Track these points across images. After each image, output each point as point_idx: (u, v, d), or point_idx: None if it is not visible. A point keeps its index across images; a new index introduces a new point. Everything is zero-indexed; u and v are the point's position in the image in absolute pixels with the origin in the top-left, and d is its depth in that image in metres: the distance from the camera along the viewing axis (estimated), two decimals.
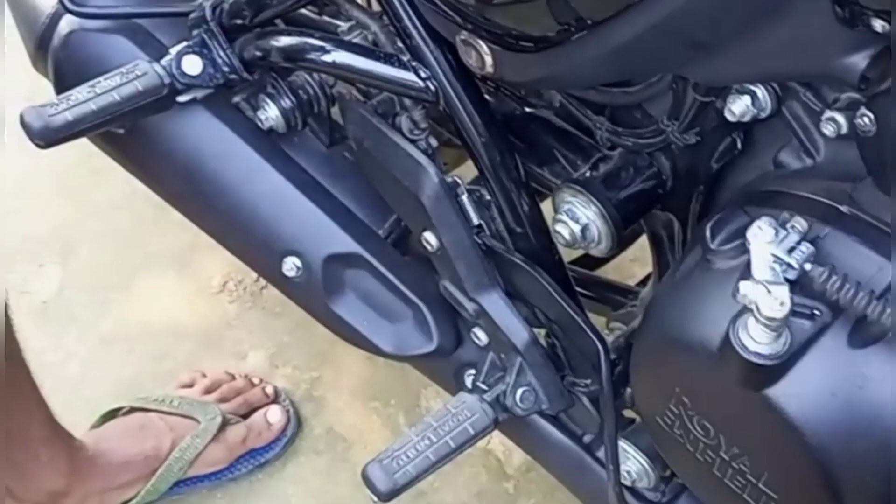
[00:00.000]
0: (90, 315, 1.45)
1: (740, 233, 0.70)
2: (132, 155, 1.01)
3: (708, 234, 0.73)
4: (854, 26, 0.62)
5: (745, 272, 0.67)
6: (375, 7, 0.93)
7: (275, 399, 1.34)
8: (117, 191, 1.52)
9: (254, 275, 1.40)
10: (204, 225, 1.03)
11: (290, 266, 0.97)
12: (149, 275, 1.49)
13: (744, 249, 0.69)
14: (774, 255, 0.66)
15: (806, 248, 0.67)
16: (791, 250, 0.67)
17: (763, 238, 0.67)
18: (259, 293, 1.46)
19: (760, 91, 0.75)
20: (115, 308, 1.46)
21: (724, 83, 0.75)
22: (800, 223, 0.68)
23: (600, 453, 0.94)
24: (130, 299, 1.47)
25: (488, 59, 0.80)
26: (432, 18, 0.85)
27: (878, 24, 0.61)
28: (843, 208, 0.70)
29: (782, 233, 0.68)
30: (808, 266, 0.66)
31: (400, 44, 0.88)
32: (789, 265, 0.66)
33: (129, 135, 0.97)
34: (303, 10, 0.99)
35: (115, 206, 1.53)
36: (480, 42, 0.80)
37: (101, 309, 1.46)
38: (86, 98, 0.89)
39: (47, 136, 0.88)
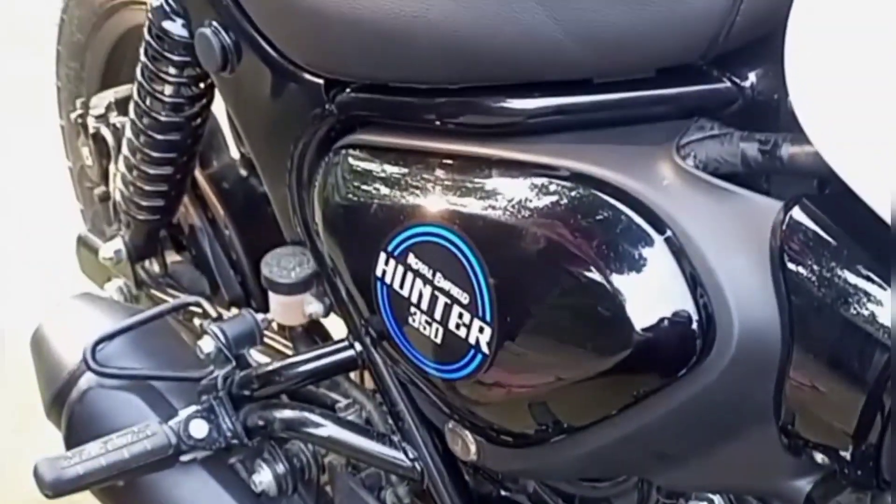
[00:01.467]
0: None
1: None
2: None
3: None
4: (798, 455, 0.71)
5: None
6: (369, 382, 1.03)
7: None
8: None
9: None
10: None
11: None
12: None
13: None
14: None
15: None
16: None
17: None
18: None
19: (717, 499, 0.83)
20: None
21: (684, 489, 0.83)
22: None
23: None
24: None
25: (472, 448, 0.88)
26: (424, 405, 0.94)
27: (820, 457, 0.70)
28: None
29: None
30: None
31: (391, 422, 0.97)
32: None
33: (128, 487, 1.03)
34: None
35: None
36: (466, 432, 0.88)
37: None
38: (97, 454, 0.96)
39: (57, 488, 0.94)
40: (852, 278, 0.66)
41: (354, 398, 1.01)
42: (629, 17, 0.72)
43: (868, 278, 0.65)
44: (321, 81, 0.88)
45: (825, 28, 0.64)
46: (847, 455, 0.68)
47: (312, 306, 1.03)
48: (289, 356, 1.06)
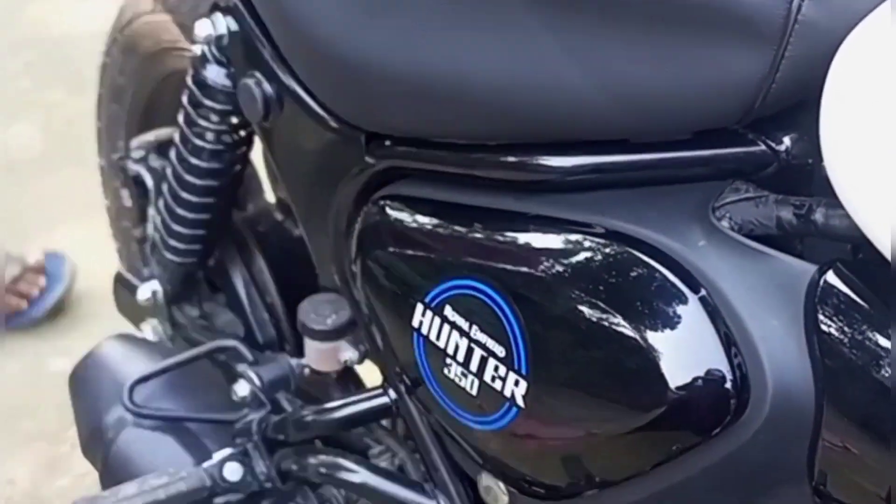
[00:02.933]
0: None
1: None
2: None
3: None
4: None
5: None
6: (403, 430, 1.04)
7: None
8: None
9: None
10: None
11: None
12: None
13: None
14: None
15: None
16: None
17: None
18: None
19: None
20: None
21: None
22: None
23: None
24: None
25: (505, 499, 0.89)
26: (456, 455, 0.95)
27: None
28: None
29: None
30: None
31: (424, 470, 0.98)
32: None
33: None
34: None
35: None
36: (499, 483, 0.89)
37: None
38: (133, 494, 0.98)
39: None
40: (884, 342, 0.66)
41: (388, 445, 1.02)
42: (667, 82, 0.73)
43: None
44: (362, 134, 0.90)
45: (860, 95, 0.65)
46: None
47: (347, 353, 1.04)
48: (322, 402, 1.08)
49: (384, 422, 1.04)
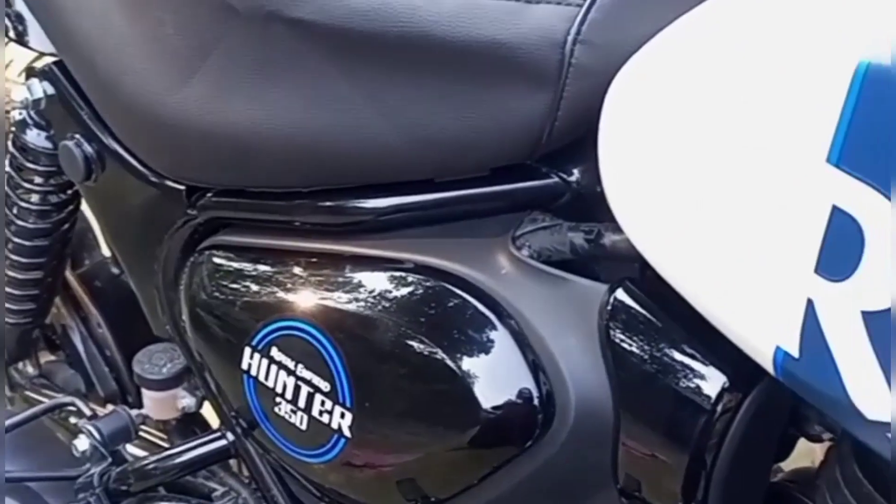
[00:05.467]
0: None
1: None
2: None
3: None
4: None
5: None
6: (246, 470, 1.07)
7: None
8: None
9: None
10: None
11: None
12: None
13: None
14: None
15: None
16: None
17: None
18: None
19: None
20: None
21: None
22: None
23: None
24: None
25: None
26: (296, 490, 0.98)
27: None
28: None
29: None
30: None
31: None
32: None
33: None
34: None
35: None
36: None
37: None
38: None
39: None
40: (669, 351, 0.73)
41: (230, 486, 1.05)
42: (461, 124, 0.78)
43: (683, 350, 0.73)
44: (183, 188, 0.94)
45: (631, 128, 0.72)
46: None
47: (185, 400, 1.07)
48: (165, 449, 1.10)
49: (232, 462, 1.07)
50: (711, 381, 0.72)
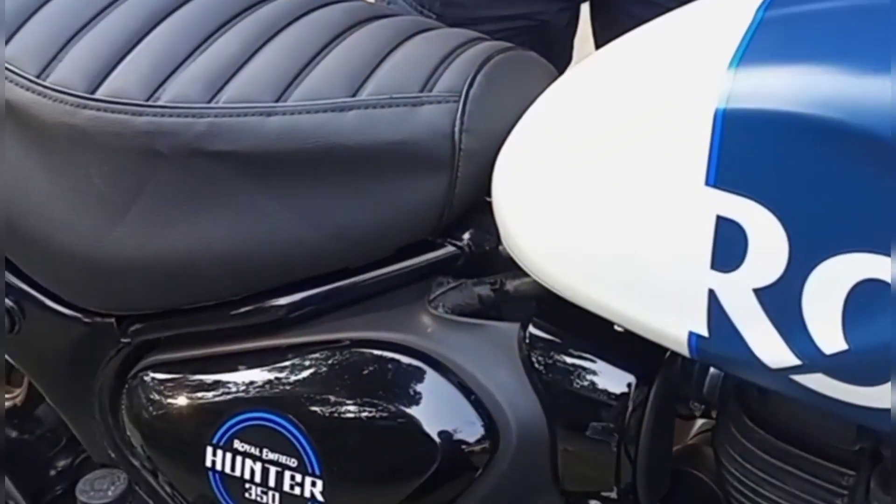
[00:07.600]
0: None
1: None
2: None
3: None
4: None
5: None
6: None
7: None
8: None
9: None
10: None
11: None
12: None
13: None
14: None
15: None
16: None
17: None
18: None
19: None
20: None
21: None
22: None
23: None
24: None
25: None
26: None
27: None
28: None
29: None
30: None
31: None
32: None
33: None
34: None
35: None
36: None
37: None
38: None
39: None
40: (582, 364, 0.90)
41: None
42: (370, 217, 0.93)
43: (593, 361, 0.89)
44: (112, 320, 1.03)
45: (518, 190, 0.88)
46: (613, 494, 0.91)
47: None
48: None
49: None
50: (621, 382, 0.89)
